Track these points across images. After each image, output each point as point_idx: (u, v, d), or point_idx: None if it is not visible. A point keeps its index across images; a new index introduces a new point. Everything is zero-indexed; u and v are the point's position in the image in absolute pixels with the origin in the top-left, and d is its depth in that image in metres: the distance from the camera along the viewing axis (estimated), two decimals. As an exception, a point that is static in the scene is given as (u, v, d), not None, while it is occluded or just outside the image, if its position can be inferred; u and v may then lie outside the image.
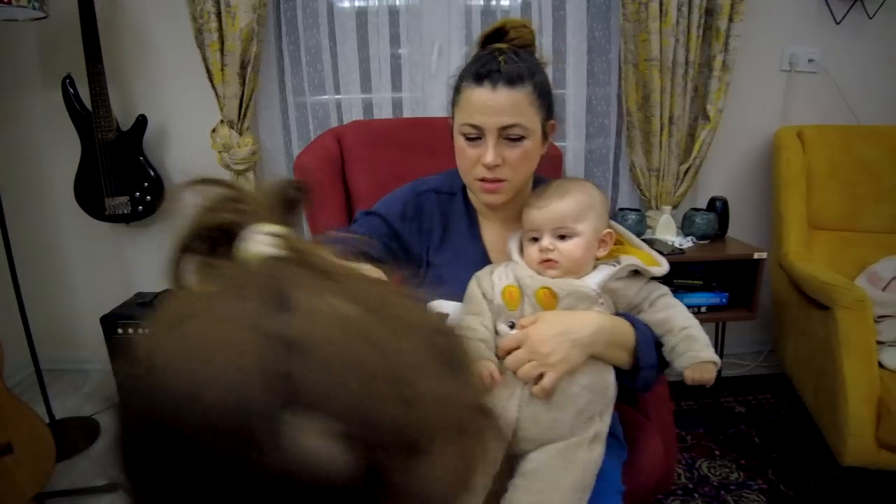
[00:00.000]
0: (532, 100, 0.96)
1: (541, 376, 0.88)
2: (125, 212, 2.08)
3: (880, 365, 1.58)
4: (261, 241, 0.33)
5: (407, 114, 2.15)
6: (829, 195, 2.04)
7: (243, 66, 1.93)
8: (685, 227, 2.10)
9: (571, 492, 0.88)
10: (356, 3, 2.07)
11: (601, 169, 2.30)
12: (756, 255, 1.92)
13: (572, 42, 2.12)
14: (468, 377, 0.34)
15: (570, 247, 0.95)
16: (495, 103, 0.95)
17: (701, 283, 2.04)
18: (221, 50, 1.91)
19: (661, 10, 1.95)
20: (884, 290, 1.76)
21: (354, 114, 2.12)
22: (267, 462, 0.25)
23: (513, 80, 0.95)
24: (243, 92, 1.96)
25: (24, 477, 1.56)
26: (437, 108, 2.12)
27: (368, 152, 1.61)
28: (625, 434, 1.14)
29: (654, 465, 1.15)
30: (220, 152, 2.00)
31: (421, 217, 1.09)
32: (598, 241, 0.98)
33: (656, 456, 1.15)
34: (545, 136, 1.00)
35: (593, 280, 0.95)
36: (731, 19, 2.01)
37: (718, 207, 2.11)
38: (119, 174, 2.05)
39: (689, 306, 2.02)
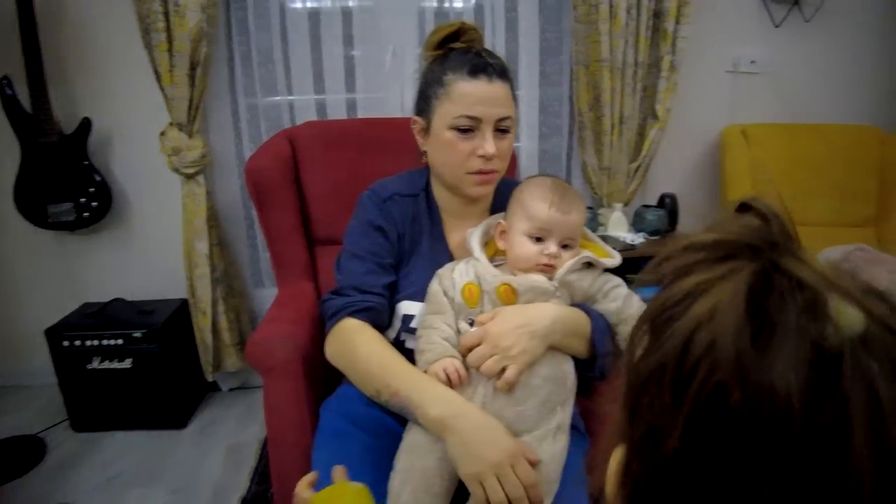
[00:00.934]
0: (512, 94, 1.01)
1: (504, 370, 0.89)
2: (69, 219, 2.00)
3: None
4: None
5: (361, 115, 2.14)
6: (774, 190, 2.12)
7: (193, 67, 1.88)
8: (637, 224, 2.15)
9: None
10: (308, 4, 2.05)
11: (554, 168, 2.34)
12: (705, 250, 1.97)
13: (525, 43, 2.15)
14: None
15: (567, 256, 0.98)
16: (493, 95, 0.98)
17: (653, 278, 2.09)
18: (170, 50, 1.86)
19: (610, 13, 1.99)
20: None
21: (307, 115, 2.09)
22: None
23: (504, 74, 1.00)
24: (193, 93, 1.91)
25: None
26: (391, 109, 2.11)
27: (323, 153, 1.59)
28: (586, 426, 1.15)
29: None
30: (169, 156, 1.95)
31: (395, 223, 1.09)
32: None
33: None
34: None
35: None
36: (677, 22, 2.07)
37: (668, 204, 2.17)
38: (62, 179, 1.97)
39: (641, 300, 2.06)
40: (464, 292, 0.97)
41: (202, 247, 2.02)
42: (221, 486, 1.76)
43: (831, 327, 0.28)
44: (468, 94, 0.97)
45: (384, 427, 0.97)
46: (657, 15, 2.08)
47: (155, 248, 2.17)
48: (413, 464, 0.90)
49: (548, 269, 0.96)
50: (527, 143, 2.23)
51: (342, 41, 2.06)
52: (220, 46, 2.02)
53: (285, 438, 1.14)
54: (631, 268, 2.06)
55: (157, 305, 2.11)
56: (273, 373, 1.14)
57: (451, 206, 1.11)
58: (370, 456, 0.97)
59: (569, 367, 0.96)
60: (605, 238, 2.05)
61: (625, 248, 1.96)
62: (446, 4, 2.11)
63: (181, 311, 2.11)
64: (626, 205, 2.22)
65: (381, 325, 1.04)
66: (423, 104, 1.04)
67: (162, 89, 1.90)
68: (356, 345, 0.98)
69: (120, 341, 1.94)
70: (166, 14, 1.82)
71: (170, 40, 1.85)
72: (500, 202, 1.09)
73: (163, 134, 1.96)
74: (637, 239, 2.07)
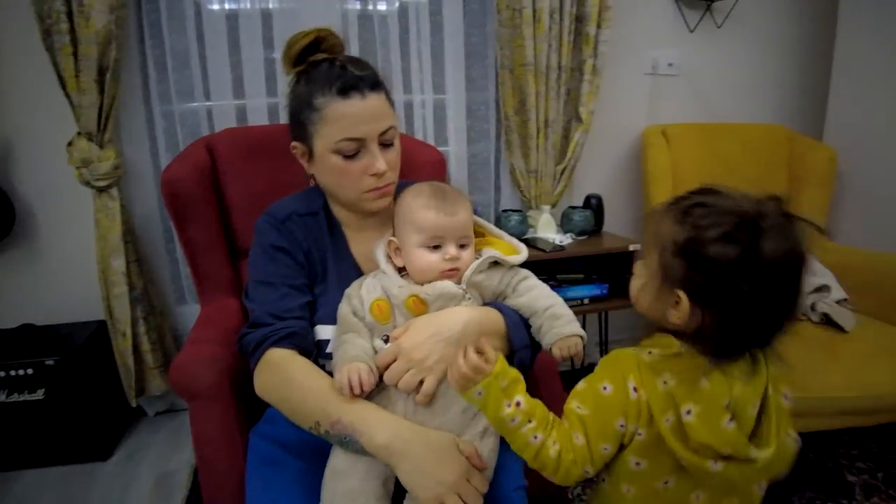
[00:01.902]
0: (389, 102, 0.99)
1: (422, 383, 0.88)
2: (-34, 237, 1.84)
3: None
4: None
5: (284, 120, 2.06)
6: (694, 187, 2.20)
7: (101, 73, 1.77)
8: (564, 225, 2.19)
9: None
10: (226, 6, 1.97)
11: (484, 172, 2.35)
12: (631, 247, 2.04)
13: (450, 47, 2.15)
14: None
15: (467, 256, 0.97)
16: (370, 111, 0.95)
17: (582, 276, 2.14)
18: (75, 54, 1.73)
19: (534, 17, 2.02)
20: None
21: (227, 121, 2.00)
22: None
23: (375, 86, 0.96)
24: (102, 100, 1.79)
25: None
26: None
27: (245, 161, 1.53)
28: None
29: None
30: (78, 168, 1.82)
31: (298, 243, 1.05)
32: None
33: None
34: None
35: None
36: (599, 26, 2.12)
37: (594, 204, 2.22)
38: (-44, 195, 1.82)
39: (572, 299, 2.12)
40: (373, 310, 0.95)
41: (118, 264, 1.90)
42: (150, 517, 1.66)
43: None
44: (344, 115, 0.94)
45: (316, 450, 0.93)
46: (579, 19, 2.12)
47: (66, 267, 2.03)
48: (335, 489, 0.87)
49: (453, 274, 0.95)
50: (455, 148, 2.23)
51: (262, 43, 1.99)
52: (131, 50, 1.91)
53: (216, 467, 1.07)
54: (560, 268, 2.12)
55: (72, 329, 1.97)
56: (199, 398, 1.08)
57: (352, 220, 1.09)
58: (304, 480, 0.93)
59: None
60: (534, 240, 2.08)
61: (554, 249, 1.99)
62: (370, 7, 2.08)
63: (98, 333, 1.98)
64: (553, 206, 2.26)
65: (308, 350, 0.98)
66: (299, 130, 1.00)
67: (67, 96, 1.77)
68: (288, 374, 0.93)
69: (30, 370, 1.80)
70: (70, 14, 1.69)
71: (74, 43, 1.72)
72: None
73: (70, 144, 1.83)
74: (565, 239, 2.11)
